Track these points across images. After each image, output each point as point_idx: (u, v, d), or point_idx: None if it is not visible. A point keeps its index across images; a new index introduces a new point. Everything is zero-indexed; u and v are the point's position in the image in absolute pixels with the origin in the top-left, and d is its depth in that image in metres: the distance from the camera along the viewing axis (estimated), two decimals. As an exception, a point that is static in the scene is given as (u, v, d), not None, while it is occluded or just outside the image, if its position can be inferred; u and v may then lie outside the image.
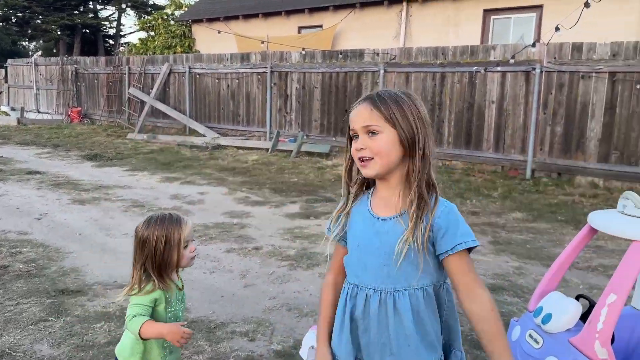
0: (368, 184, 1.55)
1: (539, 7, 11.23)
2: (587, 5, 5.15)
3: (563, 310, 2.03)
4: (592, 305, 2.08)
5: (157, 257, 1.82)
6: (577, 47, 7.61)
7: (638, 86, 7.13)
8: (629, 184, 7.23)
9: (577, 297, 2.16)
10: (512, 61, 7.98)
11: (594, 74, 7.47)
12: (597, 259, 4.63)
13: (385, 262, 1.42)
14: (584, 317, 2.05)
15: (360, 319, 1.47)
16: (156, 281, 1.81)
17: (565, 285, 3.94)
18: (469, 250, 1.42)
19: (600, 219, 2.09)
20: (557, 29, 5.72)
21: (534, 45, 7.80)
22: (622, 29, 9.87)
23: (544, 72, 7.88)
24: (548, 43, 7.77)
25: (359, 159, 1.44)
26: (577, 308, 2.05)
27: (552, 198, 6.96)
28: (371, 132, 1.41)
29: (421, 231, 1.38)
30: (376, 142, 1.41)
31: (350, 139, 1.49)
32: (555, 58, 7.79)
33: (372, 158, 1.42)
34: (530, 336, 2.11)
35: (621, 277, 1.90)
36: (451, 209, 1.44)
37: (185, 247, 1.87)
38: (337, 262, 1.61)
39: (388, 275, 1.43)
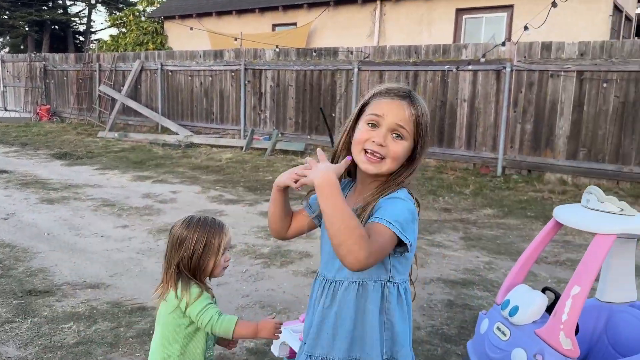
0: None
1: (509, 7, 11.44)
2: (554, 4, 5.27)
3: (529, 302, 2.08)
4: (557, 297, 2.14)
5: (194, 260, 1.72)
6: (546, 47, 7.78)
7: (605, 85, 7.32)
8: (596, 180, 7.42)
9: (543, 290, 2.21)
10: (483, 60, 8.10)
11: (562, 73, 7.64)
12: (565, 253, 4.75)
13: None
14: (549, 309, 2.10)
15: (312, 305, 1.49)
16: (201, 285, 1.73)
17: (534, 279, 4.03)
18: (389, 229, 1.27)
19: (565, 213, 2.14)
20: (525, 27, 5.84)
21: (504, 44, 7.94)
22: (589, 29, 10.13)
23: (514, 71, 8.02)
24: (518, 42, 7.92)
25: (371, 152, 1.35)
26: (542, 300, 2.10)
27: (522, 194, 7.11)
28: (398, 135, 1.35)
29: (369, 208, 1.34)
30: (398, 147, 1.35)
31: (357, 119, 1.41)
32: (525, 57, 7.94)
33: (384, 158, 1.35)
34: (498, 329, 2.16)
35: (584, 269, 1.96)
36: (399, 197, 1.34)
37: (222, 254, 1.79)
38: (296, 220, 1.59)
39: (334, 265, 1.40)
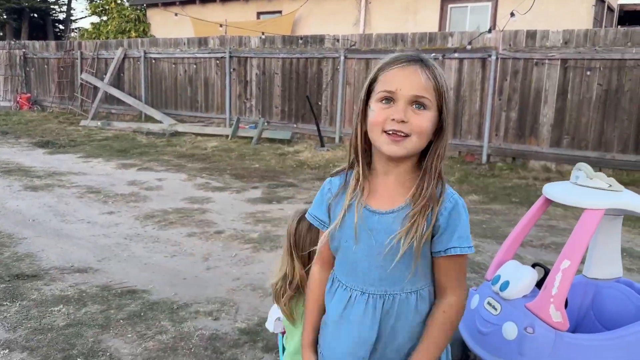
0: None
1: (494, -3, 11.49)
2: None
3: (520, 277, 2.12)
4: (547, 272, 2.18)
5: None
6: (531, 35, 7.84)
7: (588, 73, 7.42)
8: (578, 167, 7.54)
9: (533, 266, 2.26)
10: (469, 47, 8.14)
11: (547, 61, 7.72)
12: (549, 237, 4.83)
13: (380, 263, 1.24)
14: (539, 284, 2.15)
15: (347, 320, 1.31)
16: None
17: (520, 261, 4.08)
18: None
19: (554, 190, 2.18)
20: (512, 14, 5.88)
21: (489, 31, 7.99)
22: (573, 19, 10.24)
23: (499, 59, 8.09)
24: (503, 30, 7.97)
25: (393, 132, 1.18)
26: (533, 275, 2.14)
27: (507, 181, 7.20)
28: (419, 105, 1.18)
29: (422, 228, 1.20)
30: (422, 120, 1.18)
31: (367, 100, 1.24)
32: (510, 45, 8.01)
33: (409, 135, 1.19)
34: (489, 303, 2.19)
35: (574, 244, 2.00)
36: (455, 205, 1.24)
37: None
38: (325, 254, 1.38)
39: (380, 278, 1.26)
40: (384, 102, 1.20)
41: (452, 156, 8.64)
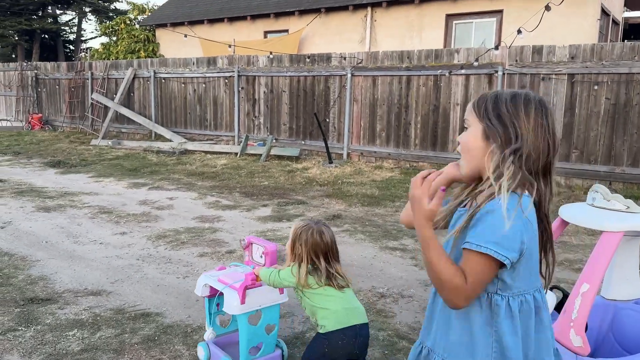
0: None
1: (499, 12, 11.57)
2: (547, 8, 5.35)
3: (538, 300, 2.10)
4: (565, 295, 2.16)
5: None
6: (537, 50, 7.87)
7: (596, 87, 7.42)
8: (589, 181, 7.51)
9: (551, 289, 2.24)
10: (476, 64, 8.18)
11: (553, 76, 7.74)
12: (562, 253, 4.79)
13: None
14: (558, 308, 2.13)
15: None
16: None
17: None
18: (494, 259, 1.23)
19: (571, 212, 2.17)
20: (519, 31, 5.91)
21: (496, 48, 8.03)
22: (578, 33, 10.28)
23: (506, 75, 8.11)
24: (510, 46, 8.00)
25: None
26: (551, 298, 2.12)
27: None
28: (465, 128, 1.39)
29: (464, 222, 1.29)
30: (462, 137, 1.40)
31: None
32: (516, 61, 8.04)
33: (460, 155, 1.43)
34: (507, 327, 2.17)
35: (593, 267, 1.99)
36: (494, 209, 1.23)
37: None
38: None
39: None
40: None
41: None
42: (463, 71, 8.49)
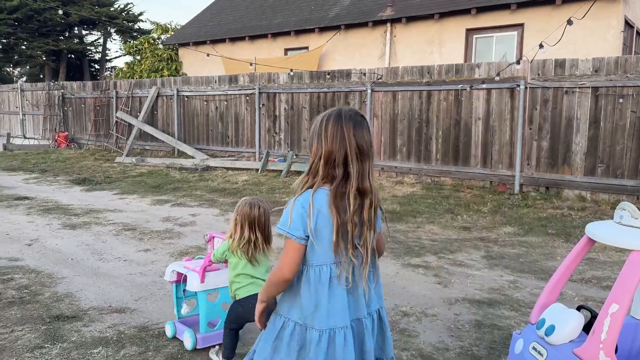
0: None
1: (520, 26, 11.51)
2: (569, 22, 5.31)
3: (566, 321, 2.06)
4: (593, 316, 2.11)
5: None
6: (559, 64, 7.80)
7: (621, 100, 7.30)
8: (615, 196, 7.35)
9: (579, 308, 2.19)
10: (497, 79, 8.13)
11: (577, 89, 7.64)
12: (590, 271, 4.69)
13: None
14: (586, 328, 2.08)
15: None
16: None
17: (560, 297, 3.97)
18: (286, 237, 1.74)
19: (598, 231, 2.13)
20: (541, 46, 5.87)
21: (518, 62, 7.97)
22: (601, 45, 10.15)
23: (528, 89, 8.04)
24: (532, 60, 7.94)
25: None
26: (579, 319, 2.07)
27: (541, 212, 7.05)
28: None
29: None
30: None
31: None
32: (538, 74, 7.96)
33: None
34: (534, 348, 2.13)
35: (622, 287, 1.94)
36: (292, 202, 1.75)
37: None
38: None
39: None
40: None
41: (483, 186, 8.54)
42: (484, 86, 8.45)
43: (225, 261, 2.86)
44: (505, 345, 3.11)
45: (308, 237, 1.71)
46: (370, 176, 1.74)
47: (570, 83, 7.68)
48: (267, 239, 2.77)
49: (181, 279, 3.22)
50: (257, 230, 2.73)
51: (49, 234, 5.93)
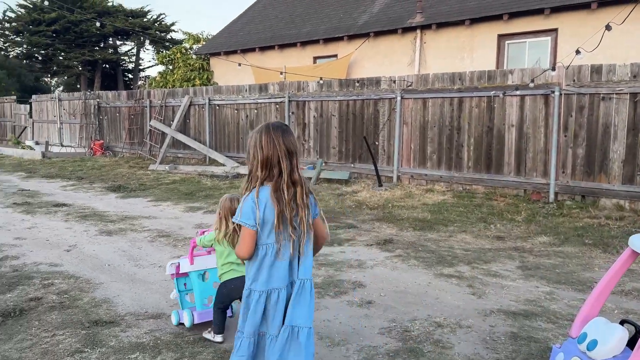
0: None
1: (553, 31, 11.31)
2: (608, 28, 5.19)
3: (609, 336, 2.01)
4: (638, 330, 2.06)
5: None
6: (596, 69, 7.62)
7: (661, 107, 7.09)
8: (656, 205, 7.12)
9: (622, 322, 2.13)
10: (531, 85, 7.99)
11: (614, 96, 7.45)
12: (630, 282, 4.55)
13: None
14: (630, 343, 2.02)
15: None
16: None
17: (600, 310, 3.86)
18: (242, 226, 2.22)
19: (642, 242, 2.08)
20: (577, 52, 5.74)
21: (553, 69, 7.82)
22: (638, 49, 9.87)
23: (563, 95, 7.88)
24: (568, 67, 7.78)
25: None
26: (623, 333, 2.02)
27: (577, 221, 6.88)
28: None
29: None
30: None
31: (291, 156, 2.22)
32: (574, 80, 7.80)
33: None
34: (575, 363, 2.08)
35: (668, 301, 1.88)
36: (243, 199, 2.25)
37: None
38: None
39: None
40: (293, 156, 2.29)
41: (517, 195, 8.39)
42: (518, 92, 8.32)
43: (211, 246, 3.40)
44: (542, 358, 3.05)
45: (257, 225, 2.20)
46: (297, 170, 2.23)
47: (607, 89, 7.50)
48: None
49: (179, 272, 3.68)
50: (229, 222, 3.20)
51: (86, 240, 6.09)
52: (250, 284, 2.27)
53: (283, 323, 2.23)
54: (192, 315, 3.49)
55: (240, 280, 2.83)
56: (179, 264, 3.62)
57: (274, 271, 2.23)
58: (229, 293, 3.27)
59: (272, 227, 2.18)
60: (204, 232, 3.60)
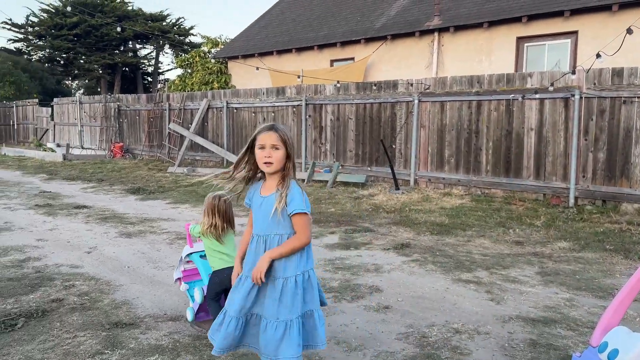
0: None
1: (573, 33, 11.17)
2: (629, 31, 5.12)
3: (631, 346, 1.98)
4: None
5: None
6: (617, 73, 7.51)
7: (684, 110, 6.95)
8: (679, 210, 6.99)
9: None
10: (551, 89, 7.91)
11: (636, 99, 7.33)
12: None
13: (264, 218, 2.47)
14: (652, 353, 1.99)
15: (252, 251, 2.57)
16: None
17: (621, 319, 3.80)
18: (305, 214, 2.41)
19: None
20: (598, 55, 5.68)
21: (573, 72, 7.73)
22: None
23: (583, 98, 7.79)
24: (589, 70, 7.68)
25: (266, 161, 2.44)
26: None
27: (598, 226, 6.78)
28: (275, 148, 2.44)
29: (283, 200, 2.41)
30: (277, 154, 2.44)
31: (251, 148, 2.52)
32: (595, 84, 7.70)
33: (272, 163, 2.44)
34: (596, 372, 2.06)
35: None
36: (293, 190, 2.43)
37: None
38: (251, 219, 2.65)
39: (266, 226, 2.48)
40: (260, 148, 2.46)
41: (536, 199, 8.30)
42: (537, 95, 8.24)
43: (198, 238, 3.62)
44: (562, 367, 3.01)
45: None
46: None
47: (628, 92, 7.38)
48: (229, 223, 3.49)
49: (189, 279, 3.91)
50: (217, 217, 3.43)
51: (106, 242, 6.19)
52: (307, 265, 2.51)
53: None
54: (194, 311, 3.75)
55: (231, 270, 2.95)
56: (182, 258, 3.84)
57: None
58: (221, 282, 3.39)
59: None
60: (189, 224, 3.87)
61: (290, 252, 2.43)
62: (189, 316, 3.72)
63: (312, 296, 2.51)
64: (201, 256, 3.79)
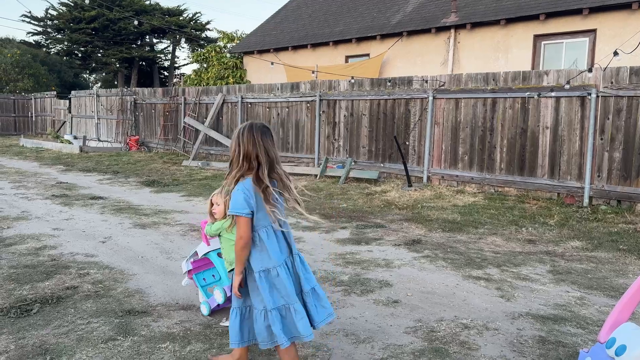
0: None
1: (592, 32, 11.03)
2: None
3: (638, 342, 1.98)
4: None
5: None
6: (635, 71, 7.41)
7: None
8: (696, 212, 6.89)
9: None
10: (567, 87, 7.83)
11: (654, 98, 7.23)
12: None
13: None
14: (660, 350, 1.98)
15: None
16: None
17: (630, 316, 3.78)
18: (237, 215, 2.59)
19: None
20: (615, 53, 5.61)
21: (590, 70, 7.65)
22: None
23: (600, 97, 7.70)
24: (606, 68, 7.59)
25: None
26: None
27: (612, 226, 6.71)
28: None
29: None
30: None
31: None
32: (612, 83, 7.60)
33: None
34: (603, 368, 2.06)
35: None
36: (238, 188, 2.60)
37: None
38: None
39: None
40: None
41: (550, 198, 8.23)
42: (553, 94, 8.16)
43: (218, 235, 3.52)
44: (571, 364, 3.01)
45: (252, 212, 2.57)
46: (279, 164, 2.71)
47: (647, 91, 7.28)
48: None
49: (200, 269, 3.93)
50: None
51: (121, 232, 6.28)
52: (258, 265, 2.65)
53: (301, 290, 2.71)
54: (209, 305, 3.78)
55: None
56: (196, 252, 3.85)
57: (277, 248, 2.70)
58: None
59: (263, 212, 2.58)
60: (205, 222, 3.78)
61: (241, 256, 2.64)
62: (204, 310, 3.74)
63: (287, 292, 2.63)
64: (218, 254, 3.77)
